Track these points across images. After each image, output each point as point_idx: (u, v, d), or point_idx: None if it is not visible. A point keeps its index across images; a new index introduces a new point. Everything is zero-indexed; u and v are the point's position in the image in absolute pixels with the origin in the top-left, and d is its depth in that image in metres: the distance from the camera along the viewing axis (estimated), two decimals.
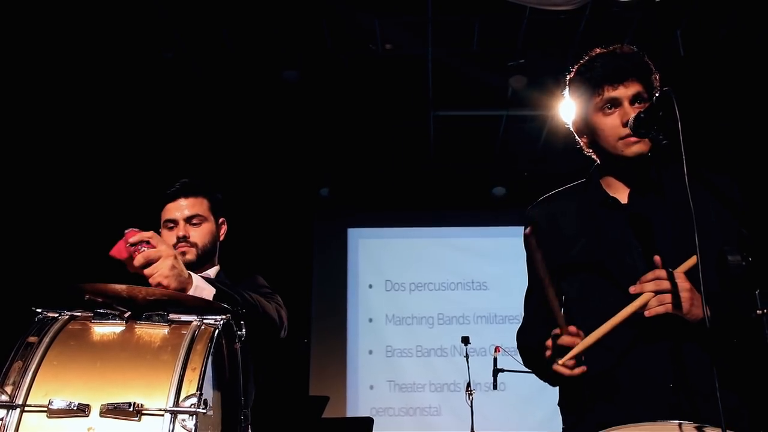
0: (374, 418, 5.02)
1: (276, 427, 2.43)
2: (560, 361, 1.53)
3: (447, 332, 6.99)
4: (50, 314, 1.46)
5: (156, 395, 1.27)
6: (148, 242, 1.80)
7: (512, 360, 5.12)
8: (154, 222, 2.45)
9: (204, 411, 1.25)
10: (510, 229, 6.71)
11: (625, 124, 1.66)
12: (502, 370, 5.20)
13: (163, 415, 1.24)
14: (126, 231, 1.81)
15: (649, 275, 1.53)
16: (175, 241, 2.32)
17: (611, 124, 1.71)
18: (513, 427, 6.68)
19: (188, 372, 1.30)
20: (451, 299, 7.26)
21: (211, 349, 1.36)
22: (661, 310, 1.50)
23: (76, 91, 5.29)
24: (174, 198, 2.38)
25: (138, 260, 1.77)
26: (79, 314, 1.47)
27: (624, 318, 1.53)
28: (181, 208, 2.37)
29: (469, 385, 5.38)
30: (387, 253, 7.44)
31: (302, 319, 7.05)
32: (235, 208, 2.46)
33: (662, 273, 1.51)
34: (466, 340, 5.42)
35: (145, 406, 1.25)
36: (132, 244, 1.78)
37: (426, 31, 5.21)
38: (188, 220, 2.39)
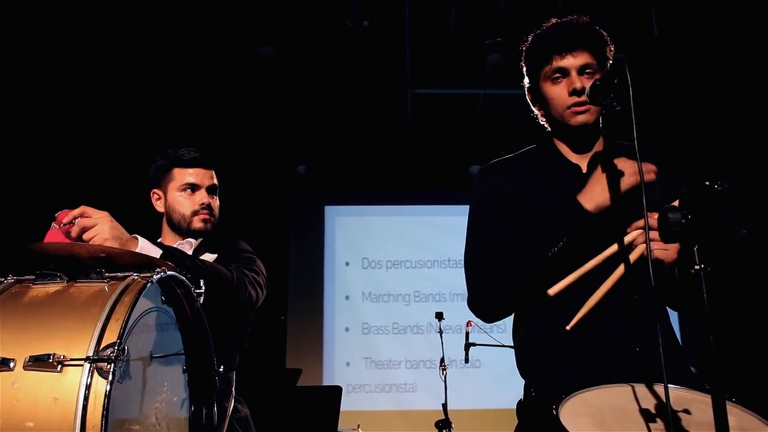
0: (350, 395, 5.06)
1: (247, 396, 2.46)
2: (568, 327, 1.52)
3: (423, 310, 7.03)
4: None
5: (79, 346, 1.27)
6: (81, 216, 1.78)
7: (485, 335, 5.21)
8: (124, 192, 2.44)
9: (122, 359, 1.26)
10: None
11: (571, 93, 1.71)
12: (474, 344, 5.27)
13: (82, 365, 1.25)
14: (57, 214, 1.80)
15: (642, 222, 1.51)
16: (197, 208, 2.32)
17: (559, 93, 1.75)
18: (487, 404, 6.77)
19: (111, 322, 1.30)
20: (428, 277, 7.30)
21: (138, 300, 1.35)
22: (657, 254, 1.50)
23: (49, 66, 5.21)
24: (193, 165, 2.35)
25: (75, 231, 1.75)
26: (25, 278, 1.46)
27: (617, 278, 1.55)
28: (205, 175, 2.36)
29: (443, 360, 5.44)
30: (364, 231, 7.45)
31: (279, 296, 7.07)
32: None
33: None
34: (440, 316, 5.47)
35: (67, 357, 1.25)
36: (66, 224, 1.77)
37: (404, 9, 5.20)
38: (210, 190, 2.38)
